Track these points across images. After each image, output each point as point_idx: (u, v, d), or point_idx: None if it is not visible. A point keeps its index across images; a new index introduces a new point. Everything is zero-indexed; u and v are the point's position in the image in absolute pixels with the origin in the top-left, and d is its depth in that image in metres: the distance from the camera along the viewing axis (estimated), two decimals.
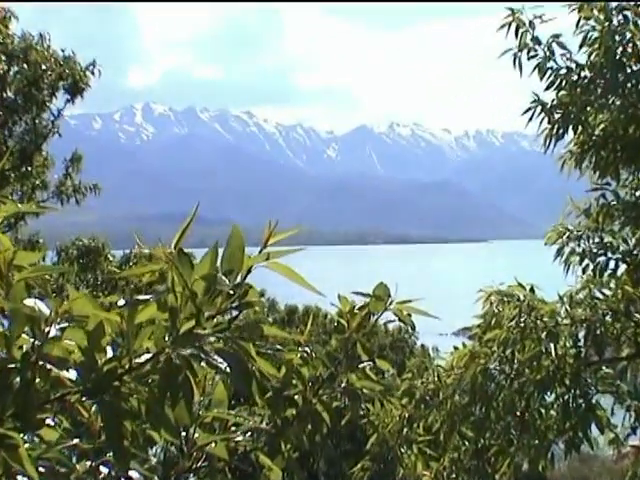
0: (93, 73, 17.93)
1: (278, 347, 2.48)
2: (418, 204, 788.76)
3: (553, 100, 8.00)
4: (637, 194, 8.13)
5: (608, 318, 7.83)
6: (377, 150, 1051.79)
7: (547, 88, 8.02)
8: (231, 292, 2.05)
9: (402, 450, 8.20)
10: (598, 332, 7.70)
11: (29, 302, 2.01)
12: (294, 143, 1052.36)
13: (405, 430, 8.23)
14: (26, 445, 1.98)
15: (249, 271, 2.10)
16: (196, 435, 2.43)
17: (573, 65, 7.95)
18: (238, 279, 2.08)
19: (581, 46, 7.88)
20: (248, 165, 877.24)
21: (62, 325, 2.04)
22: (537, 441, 7.81)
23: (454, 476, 8.18)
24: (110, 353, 2.05)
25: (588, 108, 7.85)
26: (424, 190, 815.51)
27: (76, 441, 2.19)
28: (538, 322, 7.77)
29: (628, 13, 7.74)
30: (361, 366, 2.78)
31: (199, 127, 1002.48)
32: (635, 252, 7.94)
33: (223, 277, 2.03)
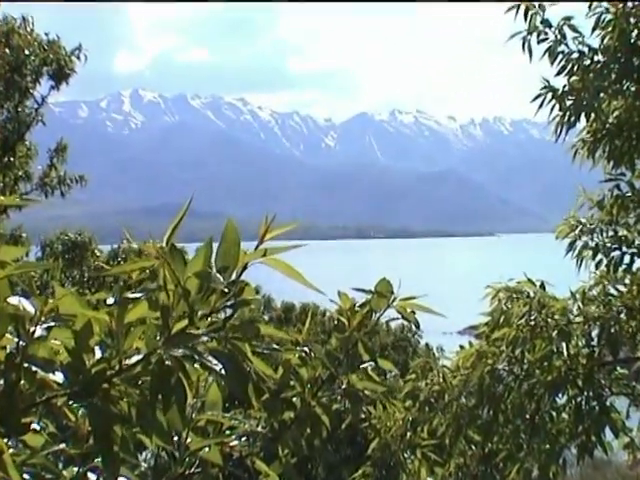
0: (79, 58, 17.91)
1: (275, 347, 2.48)
2: (421, 196, 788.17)
3: (564, 86, 7.98)
4: None
5: (623, 316, 7.81)
6: (378, 139, 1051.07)
7: (558, 73, 8.00)
8: (226, 290, 2.05)
9: (405, 455, 8.20)
10: (612, 330, 7.69)
11: (13, 300, 2.01)
12: (290, 131, 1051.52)
13: (408, 434, 8.23)
14: (10, 450, 1.99)
15: (245, 268, 2.10)
16: (189, 439, 2.43)
17: (585, 49, 7.93)
18: (233, 276, 2.08)
19: (594, 29, 7.86)
20: (242, 155, 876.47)
21: (48, 324, 2.04)
22: (548, 446, 7.81)
23: None
24: (99, 354, 2.05)
25: (601, 94, 7.83)
26: (428, 181, 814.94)
27: (62, 446, 2.20)
28: (549, 320, 7.76)
29: None
30: (362, 366, 2.78)
31: (190, 115, 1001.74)
32: None
33: (217, 274, 2.03)
